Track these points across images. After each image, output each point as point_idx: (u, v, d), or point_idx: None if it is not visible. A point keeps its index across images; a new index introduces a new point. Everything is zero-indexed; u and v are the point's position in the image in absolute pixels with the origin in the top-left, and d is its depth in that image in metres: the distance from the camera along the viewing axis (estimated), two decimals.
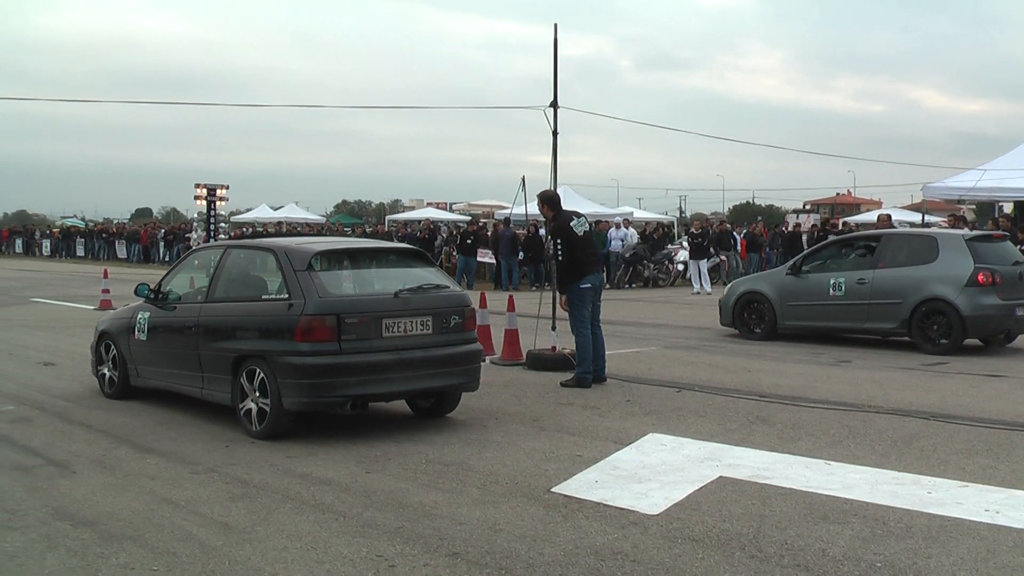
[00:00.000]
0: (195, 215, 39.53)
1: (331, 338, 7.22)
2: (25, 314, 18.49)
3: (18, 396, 9.47)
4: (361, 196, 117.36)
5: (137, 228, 52.58)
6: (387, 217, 55.64)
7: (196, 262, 9.39)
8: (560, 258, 10.14)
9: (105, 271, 21.89)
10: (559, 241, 10.13)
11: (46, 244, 54.56)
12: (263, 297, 7.78)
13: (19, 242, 57.87)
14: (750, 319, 14.65)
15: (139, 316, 9.01)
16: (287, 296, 7.44)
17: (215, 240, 30.15)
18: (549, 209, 10.38)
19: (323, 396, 7.29)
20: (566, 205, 11.29)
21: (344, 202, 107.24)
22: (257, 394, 7.55)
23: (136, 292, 9.18)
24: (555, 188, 11.74)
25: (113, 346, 9.40)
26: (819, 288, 13.83)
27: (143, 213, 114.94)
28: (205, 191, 34.72)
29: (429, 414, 8.48)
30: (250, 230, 44.47)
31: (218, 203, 35.29)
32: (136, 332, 8.98)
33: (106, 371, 9.52)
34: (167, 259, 42.83)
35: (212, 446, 7.36)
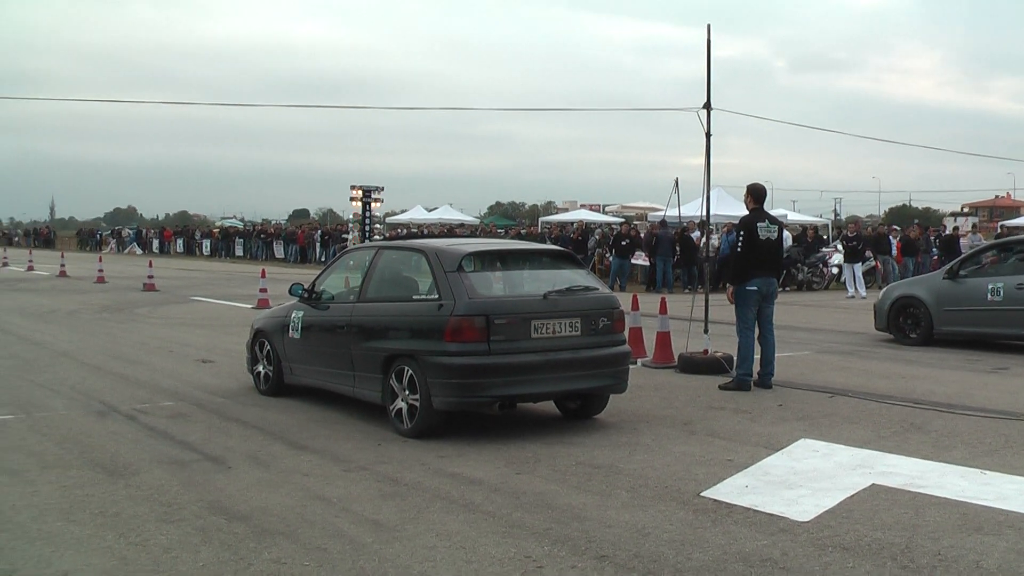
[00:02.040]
0: (351, 216, 41.17)
1: (480, 339, 7.47)
2: (185, 312, 19.58)
3: (177, 392, 10.07)
4: (514, 198, 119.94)
5: (294, 229, 55.10)
6: (540, 219, 56.27)
7: (349, 263, 9.78)
8: (738, 251, 10.39)
9: (263, 271, 23.03)
10: (741, 234, 10.40)
11: (206, 244, 57.76)
12: (414, 297, 8.10)
13: (180, 242, 61.57)
14: (905, 324, 14.65)
15: (293, 315, 9.50)
16: (437, 297, 7.73)
17: (370, 241, 31.38)
18: (753, 202, 10.62)
19: (472, 396, 7.56)
20: (717, 208, 11.59)
21: (498, 204, 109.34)
22: (407, 392, 7.81)
23: (290, 292, 9.58)
24: (708, 190, 12.02)
25: (268, 344, 9.91)
26: (977, 293, 13.78)
27: (300, 214, 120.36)
28: (361, 192, 36.08)
29: (577, 415, 8.62)
30: (405, 231, 45.95)
31: (373, 204, 36.58)
32: (290, 331, 9.47)
33: (261, 369, 10.04)
34: (323, 259, 44.58)
35: (364, 444, 7.66)
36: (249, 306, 20.68)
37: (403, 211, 62.52)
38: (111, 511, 5.84)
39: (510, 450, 7.46)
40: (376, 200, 36.24)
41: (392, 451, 7.45)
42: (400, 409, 7.91)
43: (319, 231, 48.02)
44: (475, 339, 7.47)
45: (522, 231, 37.49)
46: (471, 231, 42.09)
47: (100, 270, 30.28)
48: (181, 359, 12.71)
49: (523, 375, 7.62)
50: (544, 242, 33.63)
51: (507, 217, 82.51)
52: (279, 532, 5.46)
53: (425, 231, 44.73)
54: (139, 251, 62.97)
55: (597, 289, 8.39)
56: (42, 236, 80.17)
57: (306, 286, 9.57)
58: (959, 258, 15.27)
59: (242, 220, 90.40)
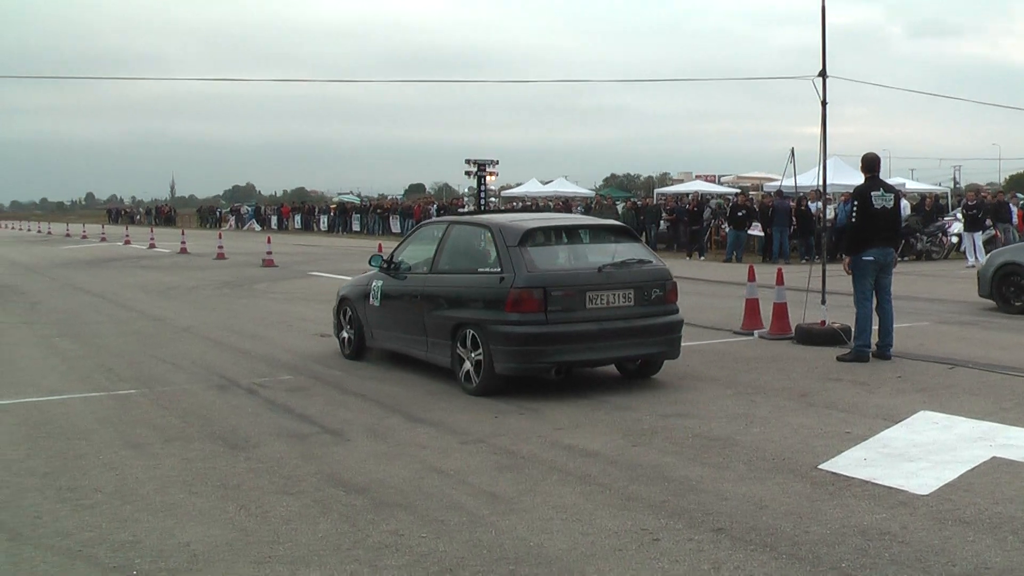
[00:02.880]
0: (466, 190, 41.50)
1: (538, 309, 8.19)
2: (304, 287, 20.11)
3: (296, 366, 10.37)
4: (629, 170, 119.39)
5: (410, 204, 55.79)
6: (655, 190, 55.77)
7: (424, 236, 10.33)
8: (853, 221, 10.38)
9: (380, 246, 23.43)
10: (855, 203, 10.36)
11: (324, 220, 58.94)
12: (479, 270, 8.79)
13: (298, 218, 63.08)
14: (1008, 292, 14.49)
15: (374, 284, 10.31)
16: (500, 270, 8.46)
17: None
18: (866, 171, 10.53)
19: (530, 363, 8.30)
20: (834, 177, 11.65)
21: (612, 176, 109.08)
22: (472, 355, 8.57)
23: (370, 262, 10.41)
24: (824, 159, 12.03)
25: (351, 311, 10.72)
26: None
27: (416, 189, 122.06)
28: (475, 167, 36.40)
29: (635, 376, 9.24)
30: (520, 204, 46.11)
31: (488, 178, 36.85)
32: (371, 299, 10.29)
33: (345, 334, 10.86)
34: None
35: (481, 417, 7.78)
36: None
37: (518, 184, 62.74)
38: (232, 483, 6.04)
39: (625, 422, 7.54)
40: (491, 174, 36.44)
41: (508, 423, 7.55)
42: (468, 371, 8.63)
43: (434, 205, 48.57)
44: (533, 309, 8.19)
45: (637, 202, 37.49)
46: (585, 204, 42.14)
47: (220, 247, 31.35)
48: (299, 333, 13.06)
49: (578, 343, 8.30)
50: (659, 214, 33.66)
51: (622, 189, 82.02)
52: (396, 504, 5.57)
53: (540, 203, 44.84)
54: (257, 227, 64.82)
55: (652, 262, 8.94)
56: (163, 214, 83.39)
57: (385, 257, 10.29)
58: None
59: (359, 195, 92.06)
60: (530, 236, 8.59)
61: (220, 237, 33.75)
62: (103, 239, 47.75)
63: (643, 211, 34.32)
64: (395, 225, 50.01)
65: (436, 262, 9.46)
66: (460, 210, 40.87)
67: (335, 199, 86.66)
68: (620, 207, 37.35)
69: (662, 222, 33.02)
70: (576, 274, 8.50)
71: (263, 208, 73.34)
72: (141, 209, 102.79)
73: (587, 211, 37.35)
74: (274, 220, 66.03)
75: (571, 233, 9.18)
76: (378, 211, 53.58)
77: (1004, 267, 14.59)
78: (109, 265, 27.90)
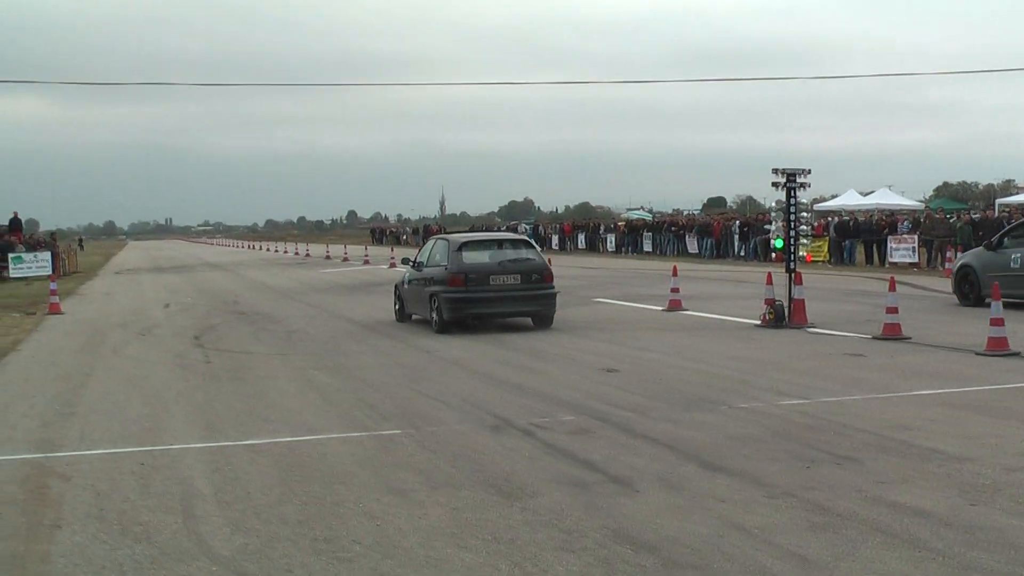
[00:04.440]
0: (772, 204, 40.83)
1: (462, 284, 17.73)
2: (587, 316, 20.63)
3: (578, 405, 10.63)
4: (965, 177, 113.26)
5: (709, 220, 55.64)
6: (997, 200, 52.49)
7: (429, 246, 20.18)
8: None
9: (674, 268, 23.49)
10: None
11: (610, 239, 60.08)
12: (440, 264, 18.44)
13: (581, 237, 64.55)
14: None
15: (406, 274, 20.42)
16: (447, 264, 18.07)
17: (793, 232, 31.38)
18: None
19: (458, 313, 17.82)
20: None
21: (945, 185, 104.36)
22: (434, 311, 18.19)
23: (401, 262, 21.95)
24: None
25: (397, 290, 20.92)
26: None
27: (715, 203, 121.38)
28: (783, 177, 35.79)
29: (534, 328, 18.34)
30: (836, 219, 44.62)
31: (799, 190, 36.21)
32: (405, 283, 20.34)
33: (396, 306, 20.90)
34: (742, 254, 44.73)
35: (790, 466, 7.72)
36: (659, 308, 21.31)
37: (833, 196, 61.18)
38: (505, 537, 6.27)
39: (962, 476, 7.38)
40: (802, 185, 35.77)
41: (822, 474, 7.47)
42: (434, 320, 18.21)
43: (736, 222, 48.04)
44: (459, 285, 17.76)
45: (974, 215, 35.73)
46: (913, 218, 40.58)
47: None
48: (582, 367, 13.37)
49: (484, 303, 17.93)
50: (1000, 228, 31.67)
51: (956, 199, 78.14)
52: (691, 565, 5.59)
53: (860, 219, 43.48)
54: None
55: (534, 259, 18.66)
56: (432, 234, 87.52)
57: (412, 259, 20.40)
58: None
59: (650, 211, 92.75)
60: (464, 245, 18.58)
61: None
62: (366, 261, 50.66)
63: (982, 225, 33.03)
64: (691, 245, 49.88)
65: (428, 260, 19.29)
66: (766, 227, 41.42)
67: (623, 215, 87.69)
68: (956, 223, 35.56)
69: None
70: (484, 265, 18.13)
71: (542, 227, 75.42)
72: (408, 228, 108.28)
73: (915, 226, 36.15)
74: (555, 239, 67.71)
75: (489, 243, 19.40)
76: (672, 228, 53.74)
77: None
78: (372, 291, 29.49)
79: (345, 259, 55.34)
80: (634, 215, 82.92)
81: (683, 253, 49.94)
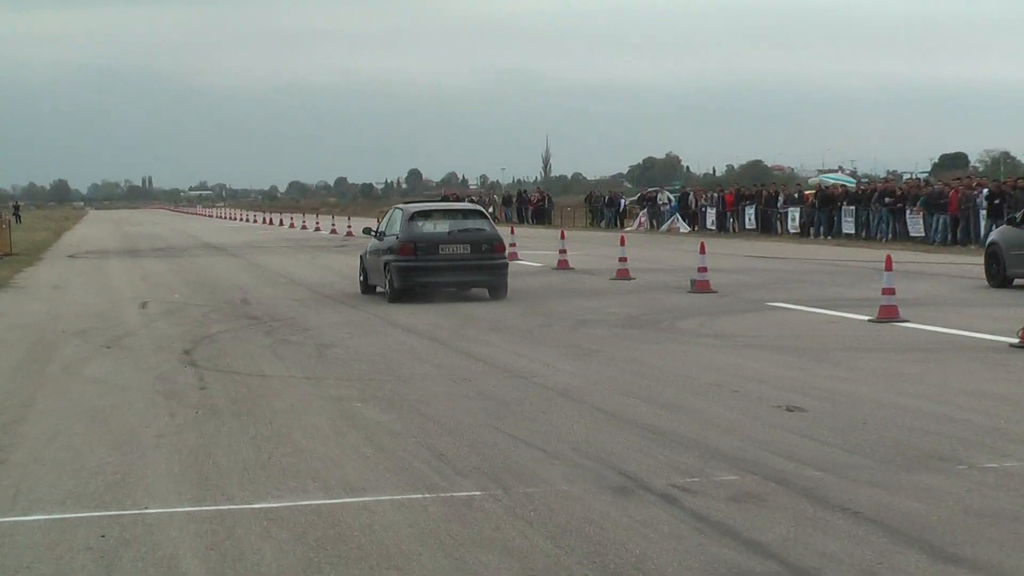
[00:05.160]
0: None
1: (412, 253, 26.36)
2: (758, 327, 20.66)
3: (742, 459, 10.55)
4: None
5: (942, 188, 53.85)
6: None
7: (388, 214, 29.90)
8: None
9: (887, 259, 23.01)
10: None
11: (793, 215, 58.84)
12: (391, 233, 27.39)
13: (750, 213, 63.23)
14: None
15: (369, 245, 29.07)
16: (398, 232, 26.87)
17: None
18: None
19: (407, 282, 26.28)
20: None
21: None
22: (387, 279, 26.64)
23: (363, 231, 32.58)
24: None
25: (361, 262, 29.75)
26: None
27: (952, 162, 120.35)
28: None
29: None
30: None
31: None
32: (367, 253, 28.81)
33: (359, 278, 29.54)
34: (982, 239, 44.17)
35: None
36: (864, 317, 21.25)
37: None
38: None
39: None
40: None
41: None
42: (387, 289, 26.64)
43: (984, 191, 46.38)
44: (409, 253, 26.28)
45: None
46: None
47: (622, 258, 32.45)
48: (749, 403, 13.30)
49: (434, 273, 26.43)
50: None
51: None
52: None
53: None
54: (684, 227, 66.49)
55: (486, 230, 27.44)
56: (532, 204, 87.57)
57: (374, 228, 29.53)
58: None
59: (852, 174, 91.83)
60: (416, 215, 27.21)
61: (623, 243, 34.90)
62: None
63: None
64: (914, 225, 48.80)
65: (388, 230, 27.46)
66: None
67: (812, 180, 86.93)
68: None
69: None
70: (435, 235, 26.62)
71: (692, 196, 74.07)
72: (496, 196, 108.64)
73: None
74: (710, 215, 67.23)
75: (442, 213, 28.05)
76: (885, 200, 52.46)
77: None
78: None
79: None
80: (829, 180, 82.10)
81: (902, 236, 49.46)
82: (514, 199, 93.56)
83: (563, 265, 35.88)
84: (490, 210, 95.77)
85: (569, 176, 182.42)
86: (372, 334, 20.69)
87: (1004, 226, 26.88)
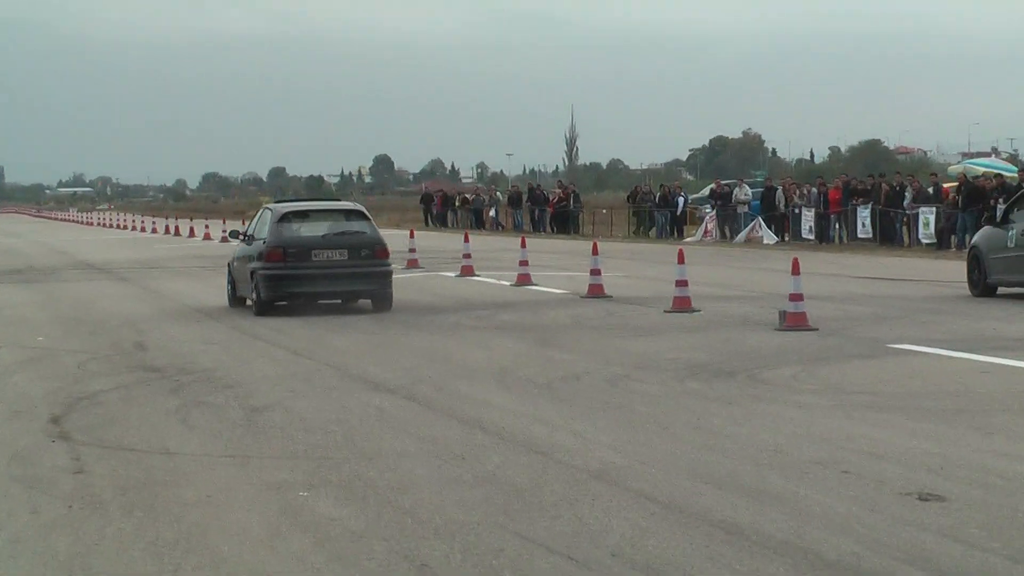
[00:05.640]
0: None
1: (281, 259, 34.25)
2: (879, 378, 20.70)
3: (861, 569, 10.53)
4: None
5: None
6: None
7: (257, 215, 39.55)
8: None
9: None
10: None
11: (926, 218, 59.40)
12: (259, 237, 35.68)
13: (864, 214, 63.97)
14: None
15: (236, 250, 38.42)
16: (266, 236, 34.97)
17: None
18: None
19: (275, 292, 34.32)
20: None
21: None
22: (253, 292, 35.12)
23: (230, 235, 51.94)
24: None
25: (229, 269, 38.62)
26: None
27: None
28: None
29: (373, 312, 34.80)
30: None
31: None
32: (235, 260, 37.72)
33: (227, 289, 38.25)
34: None
35: None
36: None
37: None
38: None
39: None
40: None
41: None
42: (254, 302, 34.80)
43: None
44: (277, 259, 34.11)
45: None
46: None
47: (681, 281, 32.50)
48: (867, 489, 13.32)
49: (306, 282, 34.55)
50: None
51: None
52: None
53: None
54: (769, 236, 66.75)
55: (367, 233, 35.55)
56: (558, 203, 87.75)
57: (242, 231, 39.77)
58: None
59: (1012, 155, 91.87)
60: (286, 216, 35.41)
61: (681, 260, 34.93)
62: (411, 264, 51.13)
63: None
64: None
65: (257, 233, 35.60)
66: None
67: (954, 168, 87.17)
68: None
69: None
70: (307, 239, 34.74)
71: (781, 190, 73.85)
72: (498, 193, 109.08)
73: None
74: (806, 217, 67.36)
75: (316, 213, 37.23)
76: None
77: None
78: (428, 320, 29.76)
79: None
80: (978, 167, 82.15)
81: None
82: (525, 197, 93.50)
83: (597, 291, 36.05)
84: (491, 212, 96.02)
85: (604, 164, 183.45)
86: (324, 392, 20.71)
87: (987, 227, 29.19)
